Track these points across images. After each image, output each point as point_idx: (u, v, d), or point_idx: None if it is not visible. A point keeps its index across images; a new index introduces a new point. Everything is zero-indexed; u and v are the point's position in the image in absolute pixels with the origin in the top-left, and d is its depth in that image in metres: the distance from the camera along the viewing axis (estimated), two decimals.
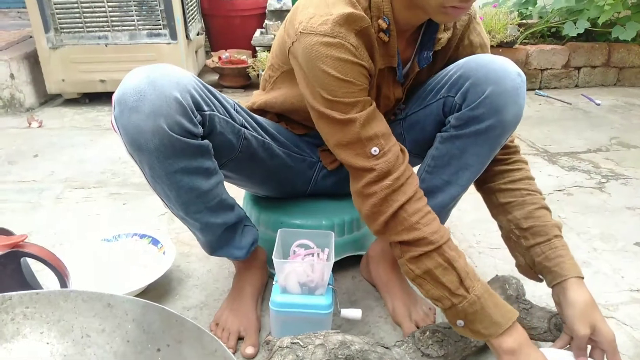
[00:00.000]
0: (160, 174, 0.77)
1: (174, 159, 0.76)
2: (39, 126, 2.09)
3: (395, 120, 0.97)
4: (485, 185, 0.95)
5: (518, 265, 0.93)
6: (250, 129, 0.91)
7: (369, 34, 0.78)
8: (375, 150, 0.77)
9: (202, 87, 0.80)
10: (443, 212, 0.93)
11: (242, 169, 0.95)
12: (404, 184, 0.78)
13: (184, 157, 0.77)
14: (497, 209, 0.93)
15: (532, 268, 0.89)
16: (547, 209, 0.90)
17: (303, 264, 0.89)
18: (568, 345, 0.83)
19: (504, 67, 0.80)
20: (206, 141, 0.80)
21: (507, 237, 0.93)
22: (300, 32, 0.76)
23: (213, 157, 0.83)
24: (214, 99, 0.83)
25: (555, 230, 0.87)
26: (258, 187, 1.10)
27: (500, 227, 0.95)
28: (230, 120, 0.85)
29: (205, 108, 0.79)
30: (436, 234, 0.77)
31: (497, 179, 0.93)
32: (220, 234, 0.92)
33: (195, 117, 0.76)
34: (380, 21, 0.79)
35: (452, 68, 0.86)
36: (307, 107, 0.81)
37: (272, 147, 0.96)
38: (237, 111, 0.89)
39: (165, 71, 0.74)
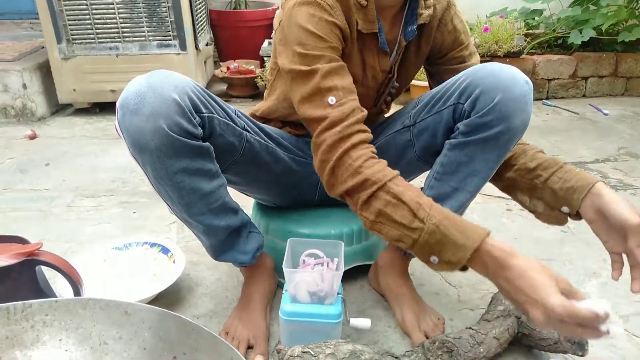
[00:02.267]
0: (162, 175, 0.79)
1: (174, 158, 0.78)
2: (32, 135, 2.08)
3: (404, 127, 0.99)
4: None
5: (538, 215, 0.93)
6: (252, 132, 0.93)
7: None
8: (332, 99, 0.80)
9: (200, 90, 0.83)
10: None
11: (246, 172, 0.97)
12: (353, 133, 0.80)
13: (185, 157, 0.79)
14: (503, 170, 0.94)
15: (553, 207, 0.88)
16: (543, 153, 0.94)
17: (313, 273, 0.90)
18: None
19: (513, 75, 0.83)
20: (207, 143, 0.82)
21: (519, 189, 0.94)
22: (292, 5, 0.84)
23: (214, 160, 0.85)
24: (213, 102, 0.85)
25: (560, 161, 0.90)
26: (264, 193, 1.11)
27: (508, 187, 0.96)
28: (230, 122, 0.87)
29: (204, 110, 0.81)
30: (379, 173, 0.77)
31: None
32: (225, 237, 0.93)
33: (194, 119, 0.79)
34: None
35: (462, 76, 0.88)
36: (284, 74, 0.85)
37: (276, 151, 0.97)
38: (238, 116, 0.91)
39: (164, 76, 0.78)
